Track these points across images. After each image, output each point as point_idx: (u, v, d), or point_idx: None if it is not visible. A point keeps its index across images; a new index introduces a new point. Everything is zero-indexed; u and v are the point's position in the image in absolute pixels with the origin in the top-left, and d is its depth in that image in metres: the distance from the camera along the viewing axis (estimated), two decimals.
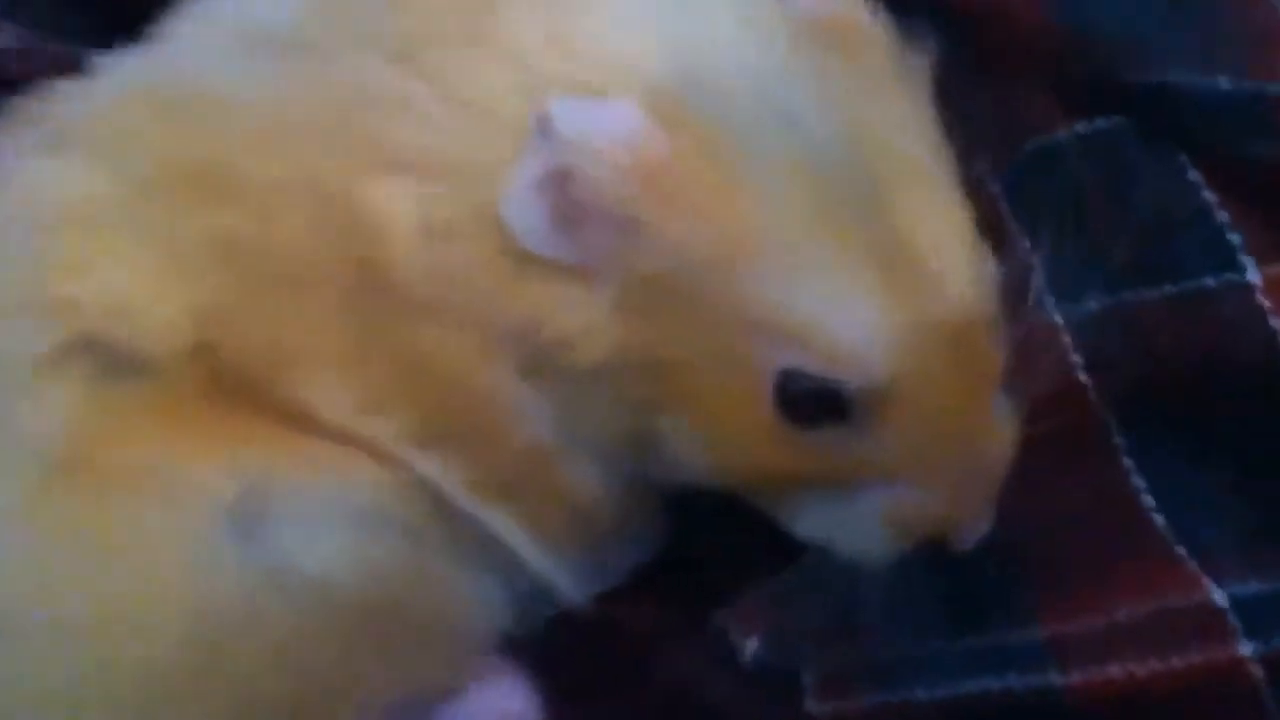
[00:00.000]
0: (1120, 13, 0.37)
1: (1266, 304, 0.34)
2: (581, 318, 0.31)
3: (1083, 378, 0.36)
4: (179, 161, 0.33)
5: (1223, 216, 0.36)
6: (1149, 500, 0.35)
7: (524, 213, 0.30)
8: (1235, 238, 0.35)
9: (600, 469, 0.35)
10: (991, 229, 0.35)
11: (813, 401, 0.31)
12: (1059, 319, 0.37)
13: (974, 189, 0.35)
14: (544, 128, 0.30)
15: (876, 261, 0.31)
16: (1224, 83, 0.35)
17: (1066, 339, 0.37)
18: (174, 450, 0.32)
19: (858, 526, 0.33)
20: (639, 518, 0.37)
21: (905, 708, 0.34)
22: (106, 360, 0.32)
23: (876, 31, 0.34)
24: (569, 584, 0.37)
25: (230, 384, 0.33)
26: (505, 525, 0.35)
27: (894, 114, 0.32)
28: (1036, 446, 0.35)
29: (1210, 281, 0.35)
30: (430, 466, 0.33)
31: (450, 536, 0.35)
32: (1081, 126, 0.37)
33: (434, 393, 0.33)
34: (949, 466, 0.32)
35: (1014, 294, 0.35)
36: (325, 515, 0.33)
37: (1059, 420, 0.35)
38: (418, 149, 0.31)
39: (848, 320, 0.31)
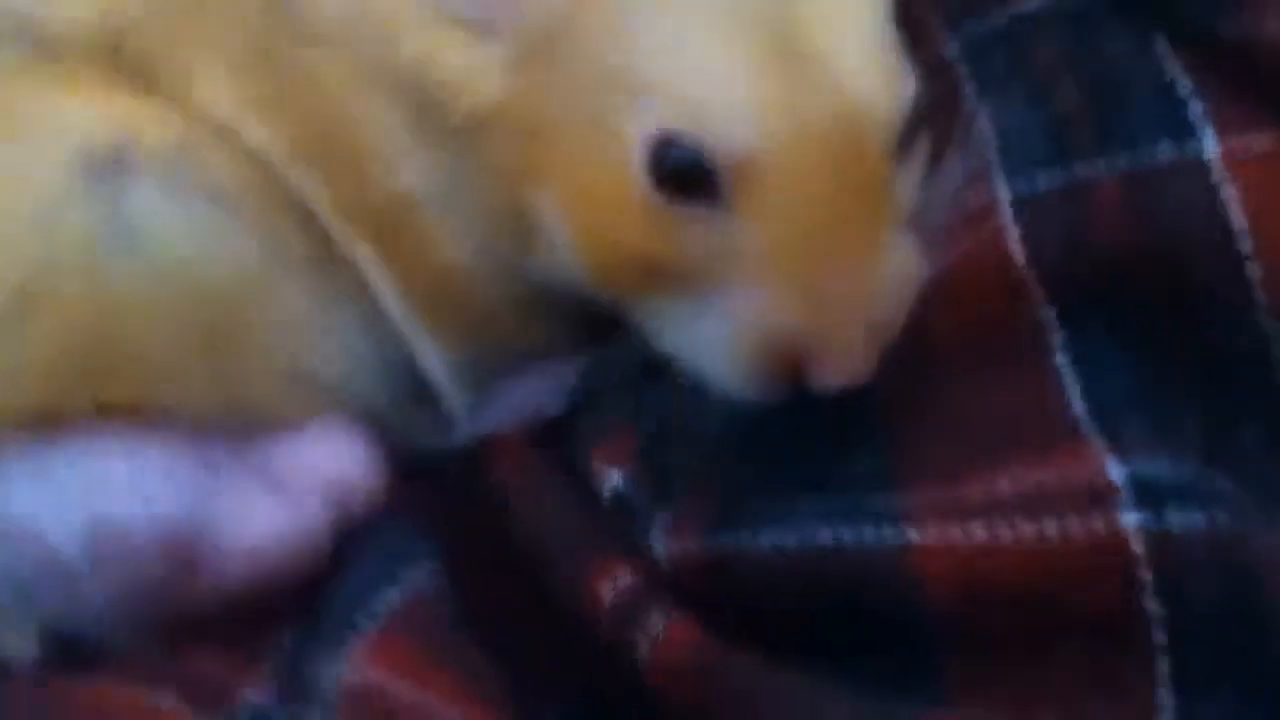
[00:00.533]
0: None
1: (1223, 179, 0.32)
2: (469, 66, 0.32)
3: (1016, 252, 0.34)
4: None
5: (1185, 86, 0.34)
6: (1073, 386, 0.33)
7: None
8: (1197, 106, 0.33)
9: (475, 245, 0.35)
10: (945, 96, 0.35)
11: (681, 171, 0.31)
12: (1004, 194, 0.35)
13: (930, 51, 0.36)
14: None
15: (760, 32, 0.31)
16: None
17: (1007, 214, 0.35)
18: (46, 95, 0.33)
19: (713, 336, 0.32)
20: (525, 333, 0.36)
21: (746, 553, 0.32)
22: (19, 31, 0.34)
23: None
24: (441, 369, 0.36)
25: (125, 74, 0.34)
26: (370, 263, 0.35)
27: None
28: (955, 318, 0.33)
29: (1166, 152, 0.33)
30: (303, 179, 0.34)
31: (316, 263, 0.35)
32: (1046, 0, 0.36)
33: (312, 111, 0.34)
34: (813, 272, 0.31)
35: (967, 166, 0.35)
36: (184, 185, 0.33)
37: (983, 296, 0.34)
38: None
39: (721, 83, 0.31)
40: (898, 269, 0.32)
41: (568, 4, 0.32)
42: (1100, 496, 0.29)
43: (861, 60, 0.32)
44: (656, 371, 0.34)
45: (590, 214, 0.32)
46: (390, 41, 0.33)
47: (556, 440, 0.36)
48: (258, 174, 0.34)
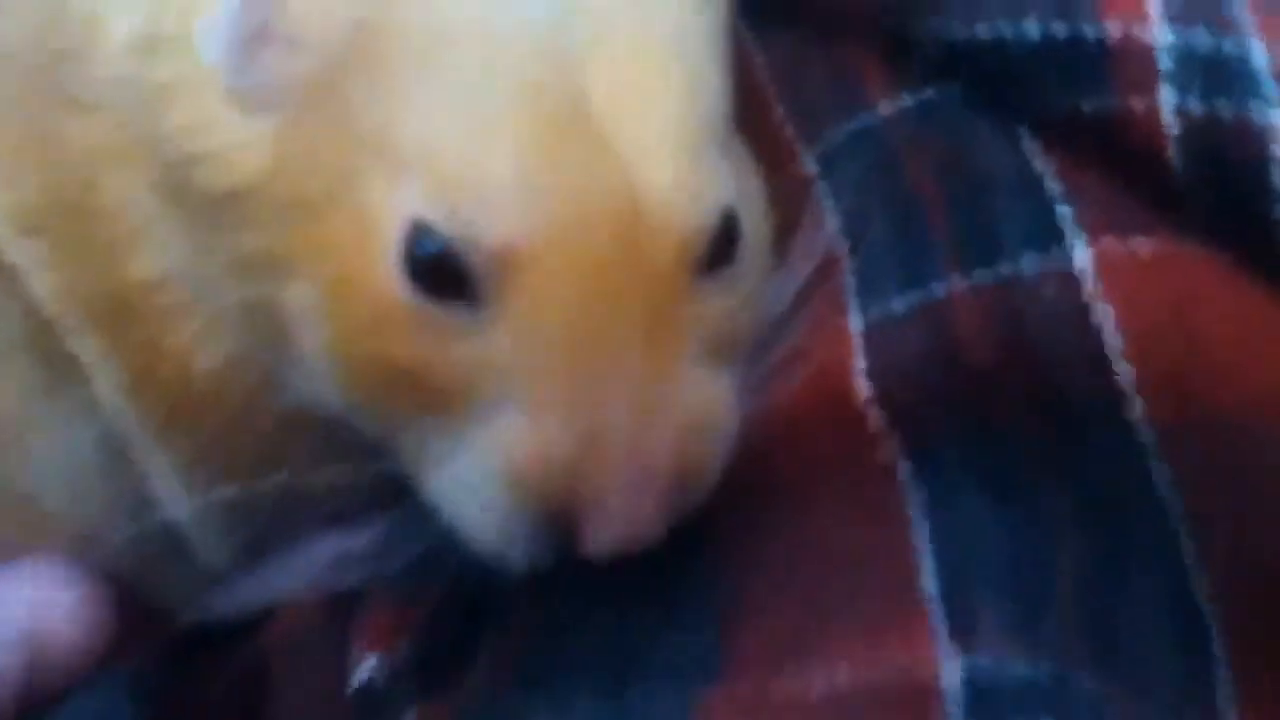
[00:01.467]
0: None
1: (1093, 289, 0.27)
2: (234, 133, 0.29)
3: (860, 385, 0.29)
4: None
5: (1053, 186, 0.28)
6: (920, 540, 0.27)
7: (216, 36, 0.29)
8: (1065, 210, 0.28)
9: (225, 348, 0.30)
10: (797, 209, 0.32)
11: (434, 264, 0.27)
12: (855, 320, 0.30)
13: (787, 165, 0.32)
14: None
15: (537, 105, 0.27)
16: (1032, 29, 0.29)
17: (855, 343, 0.30)
18: None
19: (467, 475, 0.27)
20: (286, 462, 0.31)
21: None
22: None
23: None
24: (181, 503, 0.31)
25: None
26: (96, 359, 0.31)
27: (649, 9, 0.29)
28: (793, 462, 0.29)
29: (1031, 263, 0.28)
30: (23, 255, 0.31)
31: (38, 354, 0.31)
32: (909, 98, 0.31)
33: (50, 179, 0.31)
34: (580, 396, 0.26)
35: (814, 283, 0.31)
36: None
37: (822, 437, 0.29)
38: None
39: (479, 161, 0.27)
40: (698, 404, 0.27)
41: (338, 68, 0.28)
42: (924, 706, 0.24)
43: (660, 150, 0.27)
44: None
45: (344, 311, 0.28)
46: (158, 108, 0.29)
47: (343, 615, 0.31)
48: None
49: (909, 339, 0.29)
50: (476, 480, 0.27)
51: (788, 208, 0.31)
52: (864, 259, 0.31)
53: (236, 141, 0.29)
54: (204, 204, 0.29)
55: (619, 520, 0.26)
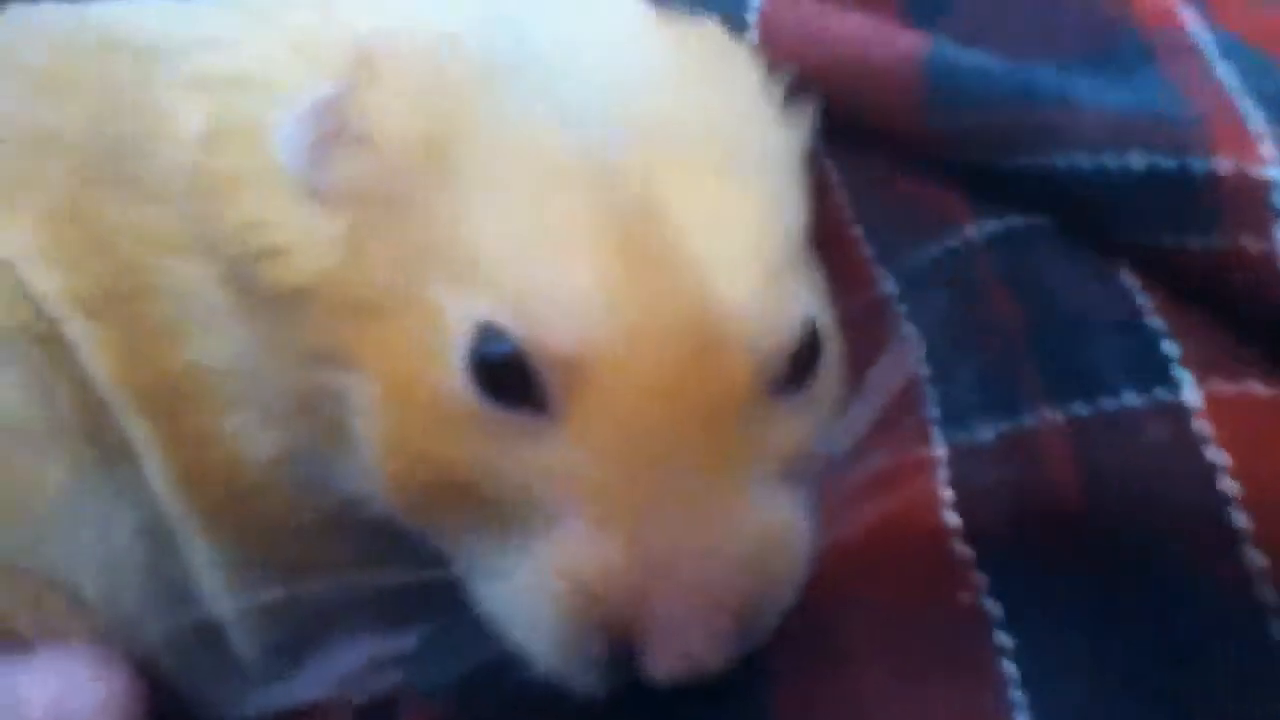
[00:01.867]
0: (1004, 90, 0.29)
1: (1205, 430, 0.25)
2: (301, 230, 0.29)
3: (948, 518, 0.27)
4: None
5: (1156, 323, 0.27)
6: (1013, 690, 0.26)
7: (291, 135, 0.29)
8: (1170, 347, 0.27)
9: (273, 440, 0.30)
10: (873, 332, 0.31)
11: (501, 368, 0.26)
12: (940, 450, 0.28)
13: (864, 286, 0.31)
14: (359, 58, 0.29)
15: (613, 219, 0.27)
16: (1137, 161, 0.27)
17: (941, 472, 0.28)
18: None
19: (525, 590, 0.26)
20: (332, 562, 0.30)
21: None
22: None
23: (743, 54, 0.32)
24: (224, 596, 0.30)
25: None
26: (145, 444, 0.30)
27: (728, 116, 0.30)
28: (870, 603, 0.27)
29: (1134, 398, 0.26)
30: (82, 335, 0.30)
31: (85, 435, 0.30)
32: (992, 225, 0.30)
33: (112, 265, 0.30)
34: (643, 513, 0.25)
35: (896, 408, 0.29)
36: None
37: (907, 577, 0.27)
38: (222, 70, 0.31)
39: (553, 269, 0.26)
40: (768, 527, 0.26)
41: (410, 173, 0.28)
42: None
43: (735, 268, 0.27)
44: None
45: (403, 408, 0.27)
46: (224, 201, 0.29)
47: None
48: (37, 321, 0.30)
49: (999, 468, 0.27)
50: (534, 595, 0.26)
51: (864, 331, 0.31)
52: (948, 384, 0.29)
53: (303, 239, 0.28)
54: (266, 298, 0.29)
55: (680, 647, 0.25)
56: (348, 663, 0.32)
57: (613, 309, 0.25)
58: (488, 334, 0.26)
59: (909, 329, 0.30)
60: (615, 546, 0.25)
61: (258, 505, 0.30)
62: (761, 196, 0.28)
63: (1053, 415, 0.27)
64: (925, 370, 0.30)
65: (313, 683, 0.32)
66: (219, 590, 0.30)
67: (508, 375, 0.26)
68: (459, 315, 0.26)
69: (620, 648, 0.25)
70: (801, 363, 0.27)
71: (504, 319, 0.26)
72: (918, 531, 0.27)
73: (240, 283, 0.29)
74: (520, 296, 0.26)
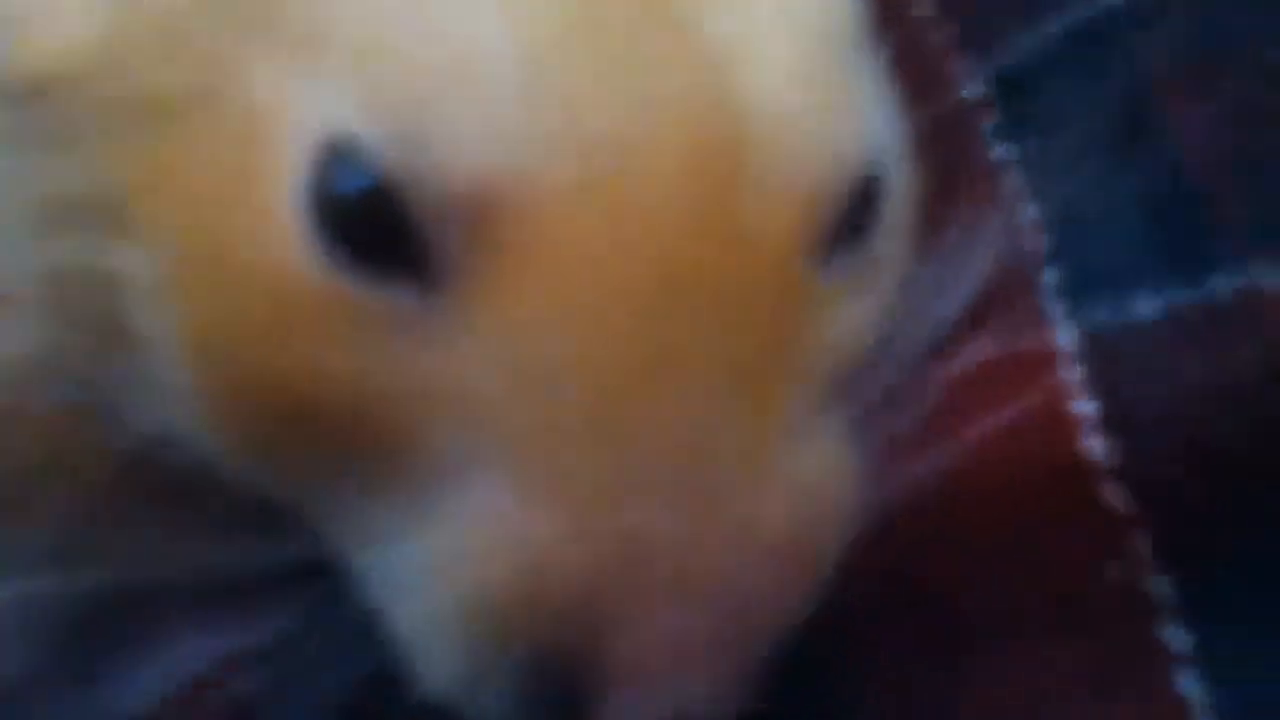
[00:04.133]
0: None
1: None
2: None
3: (1091, 446, 0.19)
4: None
5: None
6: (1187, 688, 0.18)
7: None
8: None
9: (34, 345, 0.20)
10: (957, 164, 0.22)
11: (366, 209, 0.16)
12: (1064, 333, 0.20)
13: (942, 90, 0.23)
14: None
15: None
16: None
17: (1071, 370, 0.20)
18: None
19: (423, 572, 0.17)
20: (150, 521, 0.21)
21: None
22: None
23: None
24: None
25: None
26: None
27: None
28: (973, 572, 0.19)
29: None
30: None
31: None
32: None
33: None
34: (612, 460, 0.16)
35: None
36: None
37: (1028, 526, 0.19)
38: None
39: (459, 41, 0.16)
40: (808, 493, 0.17)
41: None
42: None
43: (773, 56, 0.17)
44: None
45: (210, 290, 0.18)
46: None
47: None
48: None
49: (1171, 361, 0.19)
50: (429, 589, 0.17)
51: (940, 154, 0.21)
52: (1077, 237, 0.21)
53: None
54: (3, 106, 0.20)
55: (658, 698, 0.16)
56: (182, 661, 0.23)
57: (556, 114, 0.16)
58: (341, 153, 0.16)
59: (1006, 150, 0.22)
60: (559, 520, 0.15)
61: (11, 456, 0.20)
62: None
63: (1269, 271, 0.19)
64: (1034, 212, 0.21)
65: (133, 689, 0.23)
66: None
67: (374, 225, 0.16)
68: (294, 123, 0.16)
69: (559, 683, 0.16)
70: (857, 214, 0.18)
71: (367, 130, 0.16)
72: (1044, 466, 0.19)
73: None
74: (393, 87, 0.16)
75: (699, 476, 0.16)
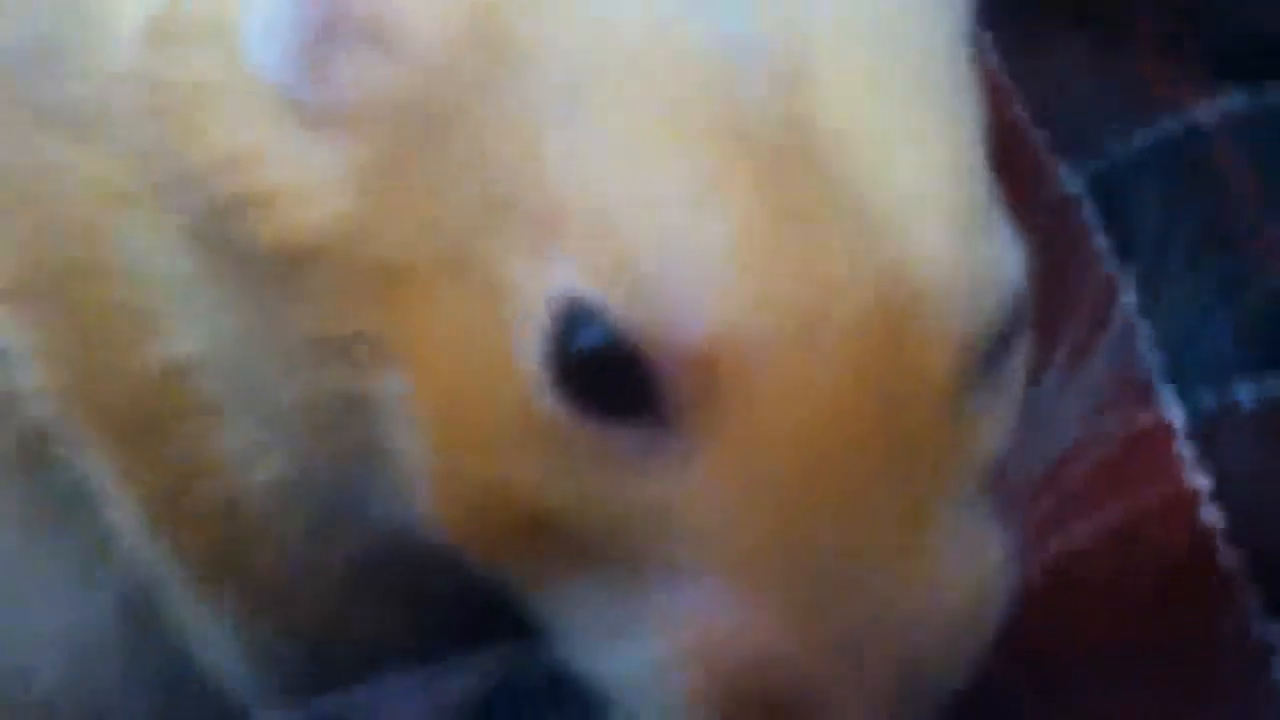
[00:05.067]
0: None
1: None
2: (295, 167, 0.21)
3: (1211, 524, 0.21)
4: None
5: None
6: None
7: (272, 29, 0.21)
8: None
9: (277, 458, 0.22)
10: (1059, 250, 0.24)
11: (597, 365, 0.18)
12: (1175, 416, 0.22)
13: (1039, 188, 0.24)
14: None
15: (757, 157, 0.19)
16: None
17: (1185, 452, 0.22)
18: None
19: (640, 657, 0.20)
20: (357, 616, 0.24)
21: None
22: None
23: None
24: (231, 660, 0.24)
25: None
26: (107, 474, 0.23)
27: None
28: (1094, 638, 0.22)
29: None
30: (7, 335, 0.23)
31: (25, 470, 0.23)
32: (1223, 101, 0.24)
33: (41, 230, 0.23)
34: (812, 567, 0.18)
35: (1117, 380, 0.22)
36: None
37: (1150, 590, 0.22)
38: None
39: (680, 221, 0.18)
40: (976, 577, 0.19)
41: (454, 83, 0.20)
42: None
43: (932, 212, 0.19)
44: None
45: (452, 420, 0.20)
46: (184, 126, 0.21)
47: None
48: None
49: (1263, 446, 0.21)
50: (659, 674, 0.19)
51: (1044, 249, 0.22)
52: (1173, 325, 0.23)
53: (300, 179, 0.21)
54: (255, 265, 0.21)
55: None
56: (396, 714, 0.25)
57: (766, 280, 0.18)
58: (578, 316, 0.18)
59: (1102, 239, 0.24)
60: (775, 620, 0.18)
61: (264, 551, 0.23)
62: (946, 106, 0.20)
63: None
64: (1132, 299, 0.23)
65: None
66: (227, 662, 0.23)
67: (607, 375, 0.18)
68: (535, 289, 0.18)
69: None
70: (1007, 334, 0.20)
71: (601, 294, 0.18)
72: (1163, 534, 0.21)
73: (214, 245, 0.21)
74: (625, 262, 0.18)
75: (893, 581, 0.18)
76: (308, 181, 0.21)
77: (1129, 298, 0.23)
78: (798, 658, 0.18)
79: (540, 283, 0.19)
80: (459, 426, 0.19)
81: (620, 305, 0.18)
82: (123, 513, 0.23)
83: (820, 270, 0.18)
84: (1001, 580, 0.20)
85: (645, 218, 0.18)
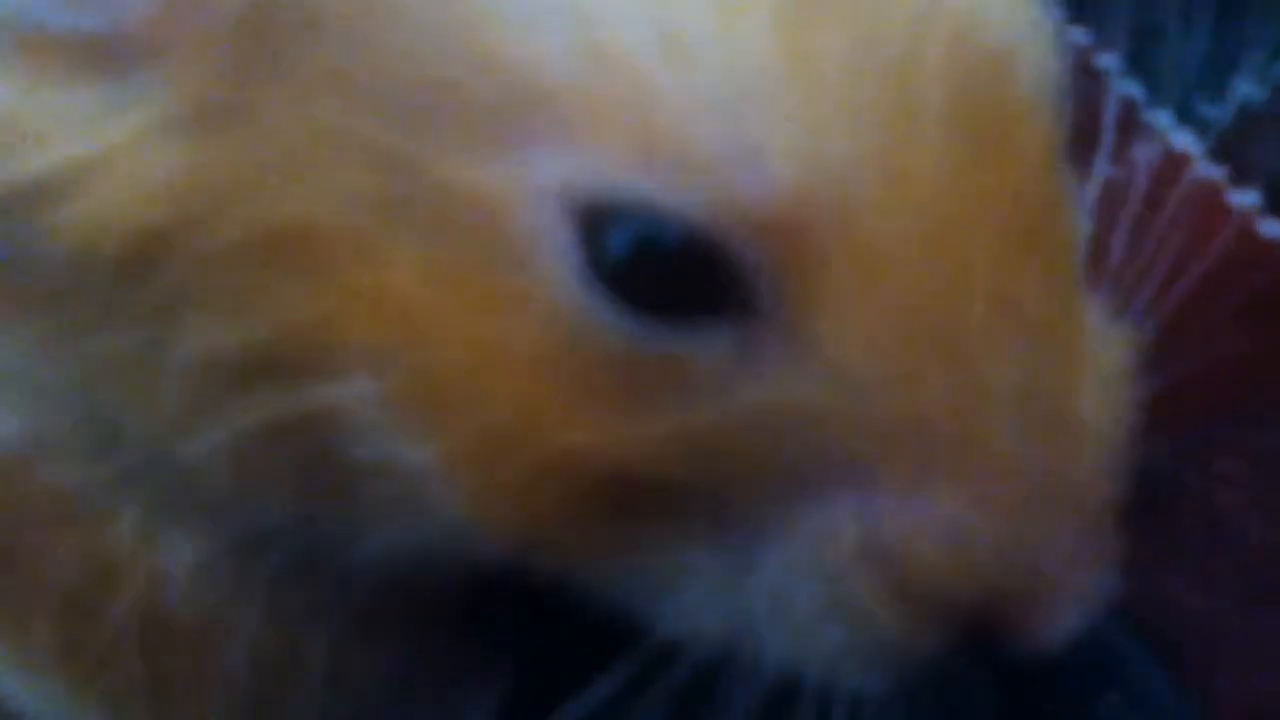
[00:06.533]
0: None
1: None
2: (94, 132, 0.16)
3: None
4: None
5: None
6: None
7: None
8: None
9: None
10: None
11: (657, 264, 0.15)
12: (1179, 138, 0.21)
13: None
14: None
15: None
16: None
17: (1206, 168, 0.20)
18: None
19: (798, 598, 0.17)
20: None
21: None
22: None
23: None
24: None
25: None
26: None
27: None
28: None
29: None
30: None
31: None
32: None
33: None
34: (981, 429, 0.16)
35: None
36: None
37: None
38: None
39: (743, 87, 0.15)
40: (1108, 369, 0.18)
41: None
42: None
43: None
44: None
45: (471, 397, 0.16)
46: None
47: None
48: None
49: None
50: (831, 588, 0.17)
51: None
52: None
53: (101, 145, 0.16)
54: (84, 289, 0.17)
55: (1073, 596, 0.17)
56: None
57: (844, 119, 0.15)
58: (609, 219, 0.15)
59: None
60: (959, 493, 0.16)
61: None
62: None
63: None
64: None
65: None
66: None
67: (669, 275, 0.15)
68: (524, 202, 0.15)
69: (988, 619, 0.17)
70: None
71: (637, 182, 0.15)
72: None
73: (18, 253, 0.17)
74: (663, 132, 0.15)
75: (1058, 390, 0.17)
76: (110, 146, 0.16)
77: None
78: (999, 520, 0.16)
79: (526, 196, 0.15)
80: (480, 404, 0.16)
81: (668, 188, 0.15)
82: None
83: (892, 69, 0.15)
84: (1129, 377, 0.19)
85: (677, 70, 0.14)
